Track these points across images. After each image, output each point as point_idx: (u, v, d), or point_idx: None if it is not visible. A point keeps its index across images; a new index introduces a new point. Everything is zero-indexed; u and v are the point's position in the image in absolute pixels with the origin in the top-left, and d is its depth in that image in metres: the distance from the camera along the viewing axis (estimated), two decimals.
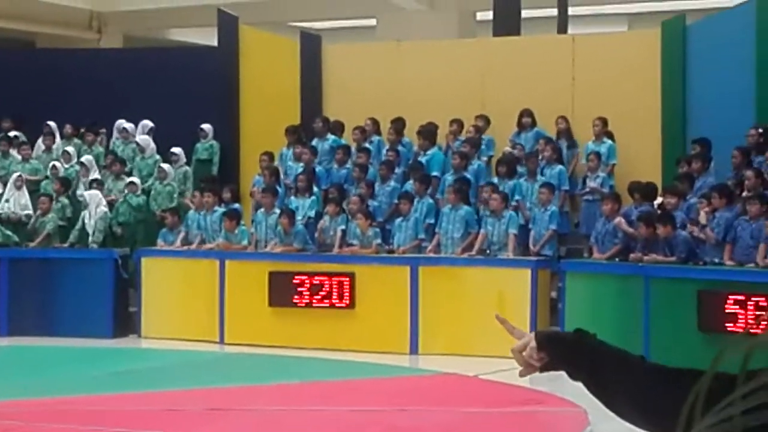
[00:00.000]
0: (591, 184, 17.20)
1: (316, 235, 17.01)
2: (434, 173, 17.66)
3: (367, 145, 18.88)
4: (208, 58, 21.12)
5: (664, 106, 18.23)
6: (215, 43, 21.30)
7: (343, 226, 16.76)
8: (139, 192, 18.98)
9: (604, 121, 17.81)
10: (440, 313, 15.56)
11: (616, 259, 14.98)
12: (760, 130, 15.48)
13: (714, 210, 14.41)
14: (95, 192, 18.48)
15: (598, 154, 17.26)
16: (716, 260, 14.06)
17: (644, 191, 15.59)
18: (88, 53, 24.84)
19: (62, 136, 20.97)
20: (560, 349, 2.60)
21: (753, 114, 16.08)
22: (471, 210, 16.44)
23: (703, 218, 14.48)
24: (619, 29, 28.38)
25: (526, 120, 18.45)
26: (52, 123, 21.04)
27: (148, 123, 20.73)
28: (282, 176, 18.76)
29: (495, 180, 17.09)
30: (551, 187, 16.40)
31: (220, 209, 17.66)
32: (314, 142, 19.25)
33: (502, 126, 18.59)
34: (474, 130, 18.44)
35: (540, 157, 17.38)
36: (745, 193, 14.41)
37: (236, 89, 20.28)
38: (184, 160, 20.06)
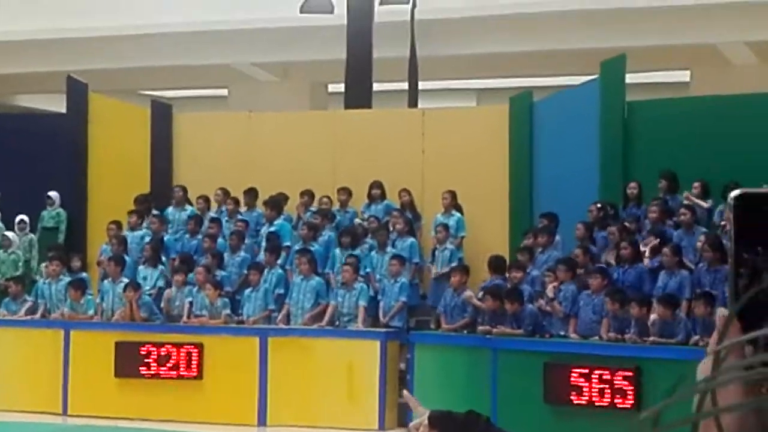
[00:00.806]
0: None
1: (162, 305, 16.81)
2: (285, 243, 17.64)
3: (213, 214, 18.80)
4: (57, 125, 20.85)
5: (511, 180, 18.53)
6: (64, 110, 21.04)
7: (191, 298, 16.59)
8: None
9: (453, 194, 18.01)
10: (289, 384, 15.48)
11: (465, 332, 15.11)
12: (599, 206, 15.87)
13: (560, 283, 14.67)
14: None
15: (446, 226, 17.44)
16: (562, 333, 14.31)
17: (495, 265, 15.77)
18: None
19: None
20: (451, 428, 2.66)
21: (596, 189, 16.47)
22: (321, 281, 16.46)
23: (550, 291, 14.72)
24: (468, 104, 28.85)
25: (376, 192, 18.56)
26: None
27: None
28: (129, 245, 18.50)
29: (337, 251, 17.12)
30: (401, 259, 16.50)
31: (66, 278, 17.34)
32: (170, 211, 19.09)
33: (354, 197, 18.69)
34: (338, 203, 18.56)
35: (391, 229, 17.50)
36: (579, 271, 14.74)
37: (84, 156, 20.02)
38: (28, 228, 19.66)
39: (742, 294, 1.21)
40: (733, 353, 0.94)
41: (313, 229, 17.51)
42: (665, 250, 14.14)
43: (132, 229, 18.67)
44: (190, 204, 19.37)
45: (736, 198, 1.25)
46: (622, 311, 13.65)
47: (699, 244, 14.27)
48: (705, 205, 15.60)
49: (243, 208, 18.87)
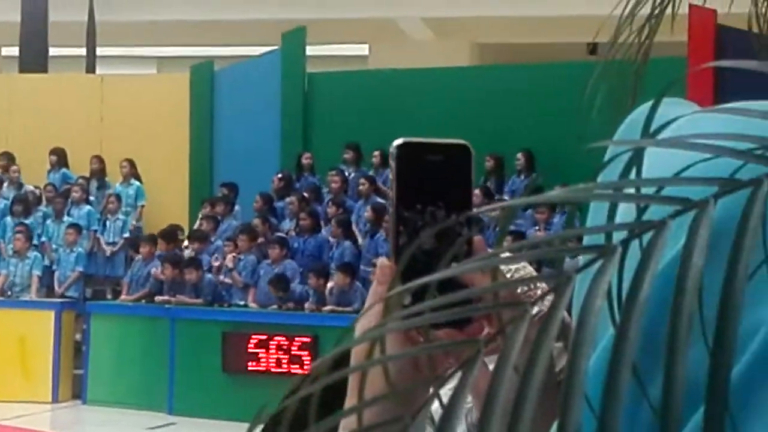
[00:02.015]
0: None
1: None
2: None
3: None
4: None
5: (192, 150, 18.42)
6: None
7: None
8: None
9: (132, 163, 17.75)
10: None
11: (143, 301, 14.94)
12: (280, 176, 15.97)
13: (240, 253, 14.69)
14: None
15: (118, 197, 17.16)
16: (241, 303, 14.36)
17: (168, 235, 15.60)
18: None
19: None
20: None
21: (278, 160, 16.58)
22: None
23: (230, 261, 14.72)
24: (149, 71, 28.45)
25: (52, 158, 18.05)
26: None
27: None
28: None
29: (8, 219, 16.59)
30: (78, 227, 16.15)
31: None
32: None
33: (29, 165, 18.11)
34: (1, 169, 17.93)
35: (69, 198, 17.08)
36: (260, 239, 14.83)
37: None
38: None
39: (410, 246, 1.21)
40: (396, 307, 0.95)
41: None
42: (333, 222, 14.45)
43: None
44: None
45: (399, 147, 1.21)
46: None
47: (367, 214, 14.56)
48: None
49: None
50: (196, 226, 16.13)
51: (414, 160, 1.22)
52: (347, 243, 14.17)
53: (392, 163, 1.21)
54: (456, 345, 0.91)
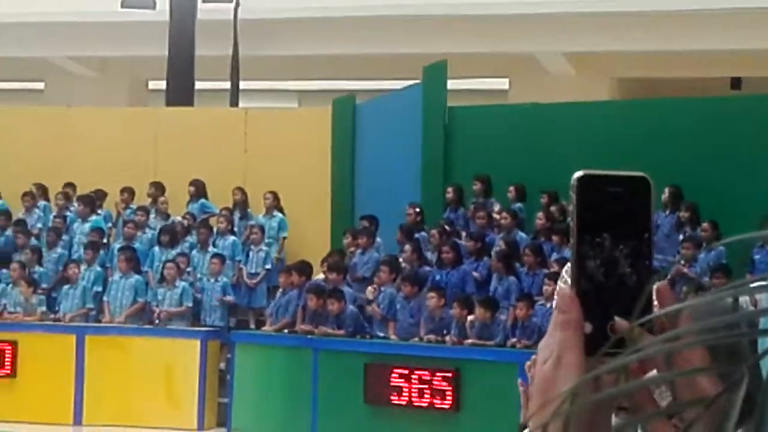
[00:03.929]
0: None
1: None
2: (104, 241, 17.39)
3: (38, 211, 18.41)
4: None
5: (333, 182, 18.61)
6: None
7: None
8: None
9: (275, 195, 18.02)
10: (107, 383, 15.26)
11: (286, 331, 15.12)
12: (417, 209, 16.04)
13: (380, 285, 14.78)
14: None
15: (261, 228, 17.42)
16: (381, 335, 14.44)
17: (300, 269, 15.73)
18: None
19: None
20: None
21: (419, 192, 16.66)
22: (141, 279, 16.27)
23: (369, 293, 14.83)
24: (290, 105, 28.86)
25: (191, 189, 18.39)
26: None
27: None
28: None
29: (156, 249, 16.93)
30: (222, 257, 16.43)
31: None
32: None
33: (175, 196, 18.49)
34: (149, 198, 18.34)
35: (215, 229, 17.39)
36: (403, 264, 14.89)
37: None
38: None
39: (594, 276, 1.25)
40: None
41: (137, 228, 17.31)
42: (493, 256, 14.40)
43: None
44: None
45: (579, 179, 1.25)
46: (441, 311, 13.85)
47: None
48: None
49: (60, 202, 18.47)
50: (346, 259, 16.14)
51: (594, 191, 1.26)
52: (512, 279, 14.12)
53: (573, 194, 1.26)
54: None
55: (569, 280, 1.26)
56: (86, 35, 24.37)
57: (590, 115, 16.56)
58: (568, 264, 1.30)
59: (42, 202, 18.67)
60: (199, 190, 18.40)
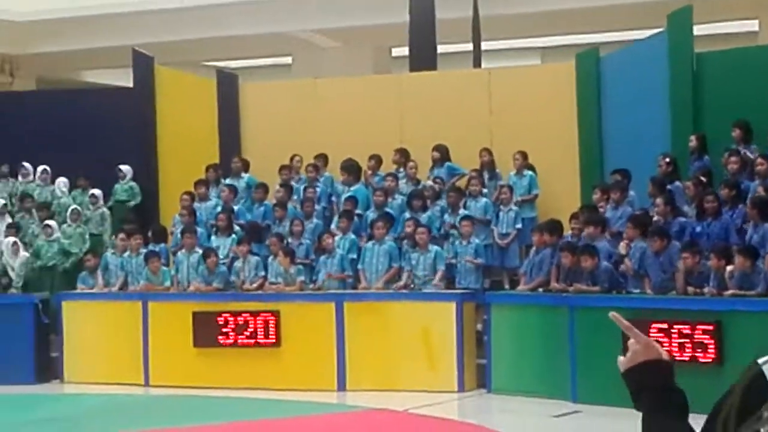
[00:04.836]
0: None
1: (233, 278, 16.90)
2: (357, 210, 17.66)
3: (294, 183, 18.84)
4: (124, 99, 20.98)
5: (581, 137, 18.42)
6: (130, 84, 21.16)
7: (262, 270, 16.67)
8: (56, 235, 18.75)
9: (524, 154, 17.94)
10: (367, 349, 15.53)
11: (540, 290, 15.06)
12: (668, 160, 15.68)
13: (630, 240, 14.54)
14: (10, 239, 18.26)
15: (510, 188, 17.38)
16: (636, 290, 14.21)
17: (551, 228, 15.59)
18: (1, 96, 24.55)
19: None
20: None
21: (668, 143, 16.31)
22: (394, 245, 16.47)
23: (623, 248, 14.62)
24: (533, 62, 28.66)
25: (435, 155, 18.44)
26: None
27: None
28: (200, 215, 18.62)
29: (407, 214, 17.09)
30: (472, 220, 16.47)
31: (143, 251, 17.47)
32: (229, 181, 19.16)
33: (421, 161, 18.64)
34: (395, 165, 18.52)
35: (467, 191, 17.44)
36: (655, 218, 14.59)
37: (153, 129, 20.17)
38: (101, 201, 19.87)
39: None
40: None
41: (387, 194, 17.53)
42: (748, 203, 13.94)
43: (201, 199, 18.76)
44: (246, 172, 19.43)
45: None
46: (698, 265, 13.53)
47: None
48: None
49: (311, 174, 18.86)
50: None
51: None
52: (767, 226, 13.64)
53: None
54: None
55: None
56: (330, 7, 24.76)
57: None
58: None
59: (326, 174, 18.96)
60: (443, 155, 18.46)
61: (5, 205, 19.45)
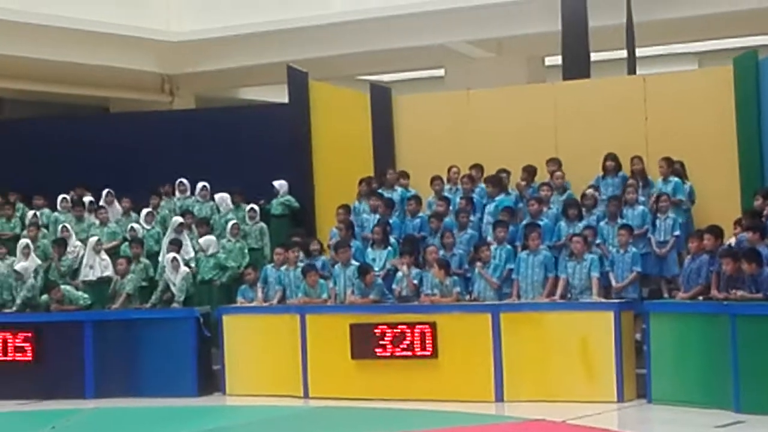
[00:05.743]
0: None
1: (394, 286, 16.98)
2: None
3: (446, 194, 18.87)
4: (280, 115, 21.29)
5: (740, 143, 18.05)
6: (286, 100, 21.45)
7: (415, 280, 16.72)
8: (213, 251, 19.13)
9: (669, 161, 17.64)
10: (524, 359, 15.44)
11: (700, 298, 14.78)
12: None
13: None
14: (171, 254, 18.66)
15: (668, 196, 17.09)
16: None
17: (711, 233, 15.27)
18: (162, 115, 25.15)
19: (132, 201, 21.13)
20: None
21: None
22: (549, 254, 16.35)
23: None
24: (689, 67, 28.22)
25: (610, 164, 18.22)
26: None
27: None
28: (356, 229, 18.76)
29: (562, 224, 16.97)
30: (629, 228, 16.27)
31: (301, 265, 17.68)
32: (385, 194, 19.27)
33: (577, 170, 18.48)
34: (549, 175, 18.41)
35: (623, 200, 17.23)
36: None
37: (309, 144, 20.42)
38: (258, 217, 20.20)
39: None
40: None
41: (542, 203, 17.43)
42: None
43: (372, 211, 18.91)
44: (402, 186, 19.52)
45: None
46: None
47: None
48: None
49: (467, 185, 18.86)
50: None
51: None
52: None
53: None
54: None
55: None
56: (482, 18, 24.73)
57: None
58: None
59: (481, 185, 18.93)
60: (616, 166, 18.15)
61: (182, 224, 19.86)
